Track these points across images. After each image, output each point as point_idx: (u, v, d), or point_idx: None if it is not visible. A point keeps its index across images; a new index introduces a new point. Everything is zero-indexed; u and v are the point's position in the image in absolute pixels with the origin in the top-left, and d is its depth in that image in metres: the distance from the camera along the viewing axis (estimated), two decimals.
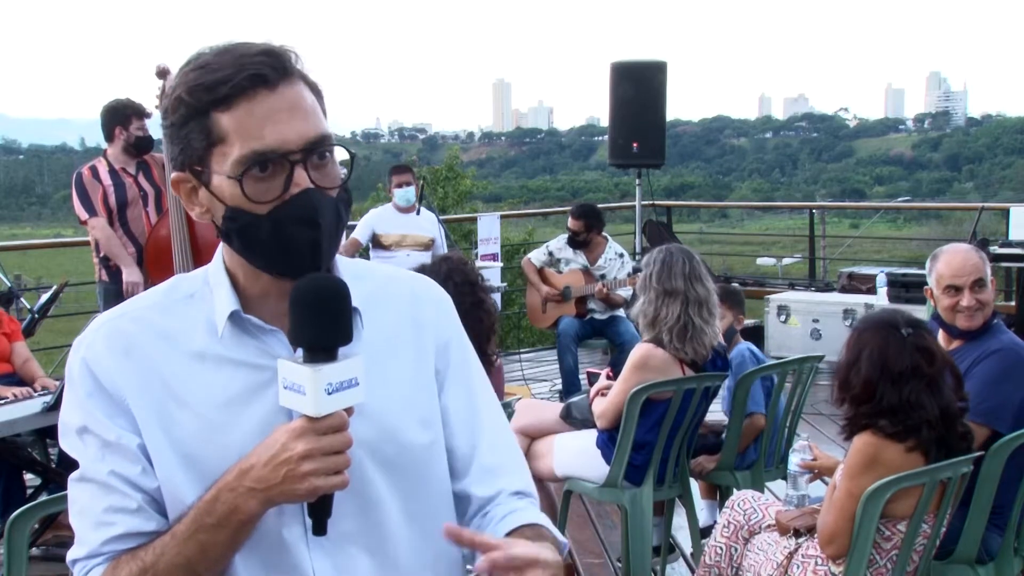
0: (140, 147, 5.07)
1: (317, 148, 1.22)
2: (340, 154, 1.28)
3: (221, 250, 1.32)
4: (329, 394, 1.15)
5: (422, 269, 2.71)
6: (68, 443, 1.28)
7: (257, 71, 1.19)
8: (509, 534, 1.31)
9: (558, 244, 6.57)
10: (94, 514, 1.25)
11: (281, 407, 1.20)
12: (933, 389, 2.60)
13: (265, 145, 1.19)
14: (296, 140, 1.20)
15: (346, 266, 1.35)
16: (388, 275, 1.42)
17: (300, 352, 1.19)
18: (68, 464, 3.89)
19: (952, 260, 3.12)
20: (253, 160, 1.19)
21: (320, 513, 1.21)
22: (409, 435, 1.33)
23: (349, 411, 1.18)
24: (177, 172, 1.26)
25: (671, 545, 4.07)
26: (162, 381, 1.26)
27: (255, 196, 1.19)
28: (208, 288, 1.30)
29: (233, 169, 1.19)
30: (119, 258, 5.02)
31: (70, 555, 1.27)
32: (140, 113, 5.04)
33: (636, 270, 5.79)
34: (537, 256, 6.65)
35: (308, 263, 1.22)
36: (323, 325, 1.17)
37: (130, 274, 4.96)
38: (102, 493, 1.24)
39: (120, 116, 5.05)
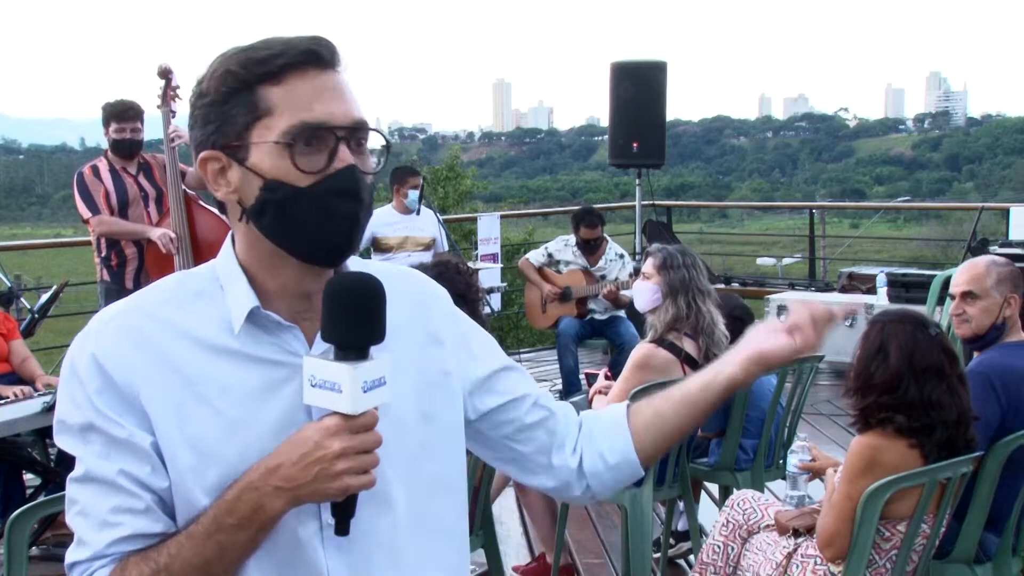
0: (116, 150, 5.04)
1: (359, 131, 1.24)
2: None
3: (230, 246, 1.30)
4: (365, 392, 1.15)
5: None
6: (67, 441, 1.23)
7: (310, 48, 1.22)
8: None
9: (557, 246, 6.56)
10: (99, 514, 1.20)
11: (300, 404, 1.20)
12: (951, 392, 2.61)
13: (314, 117, 1.20)
14: (343, 118, 1.22)
15: (352, 263, 1.35)
16: (387, 271, 1.41)
17: (326, 349, 1.18)
18: (68, 464, 3.92)
19: (960, 269, 3.16)
20: (301, 130, 1.20)
21: (345, 513, 1.20)
22: (410, 428, 1.33)
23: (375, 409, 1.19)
24: (207, 151, 1.24)
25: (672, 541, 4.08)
26: (179, 376, 1.23)
27: (302, 166, 1.20)
28: (217, 285, 1.28)
29: (280, 137, 1.20)
30: (136, 231, 4.90)
31: (69, 557, 1.22)
32: (119, 116, 5.00)
33: (637, 271, 5.78)
34: (535, 257, 6.62)
35: (343, 239, 1.23)
36: (361, 325, 1.18)
37: (154, 233, 4.78)
38: (108, 492, 1.20)
39: (104, 117, 5.05)
